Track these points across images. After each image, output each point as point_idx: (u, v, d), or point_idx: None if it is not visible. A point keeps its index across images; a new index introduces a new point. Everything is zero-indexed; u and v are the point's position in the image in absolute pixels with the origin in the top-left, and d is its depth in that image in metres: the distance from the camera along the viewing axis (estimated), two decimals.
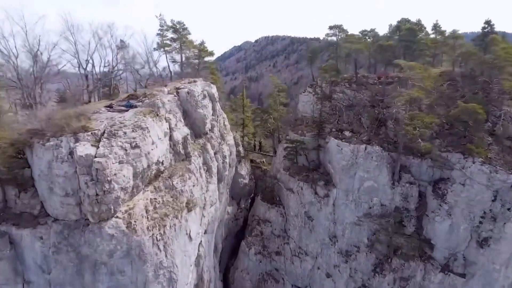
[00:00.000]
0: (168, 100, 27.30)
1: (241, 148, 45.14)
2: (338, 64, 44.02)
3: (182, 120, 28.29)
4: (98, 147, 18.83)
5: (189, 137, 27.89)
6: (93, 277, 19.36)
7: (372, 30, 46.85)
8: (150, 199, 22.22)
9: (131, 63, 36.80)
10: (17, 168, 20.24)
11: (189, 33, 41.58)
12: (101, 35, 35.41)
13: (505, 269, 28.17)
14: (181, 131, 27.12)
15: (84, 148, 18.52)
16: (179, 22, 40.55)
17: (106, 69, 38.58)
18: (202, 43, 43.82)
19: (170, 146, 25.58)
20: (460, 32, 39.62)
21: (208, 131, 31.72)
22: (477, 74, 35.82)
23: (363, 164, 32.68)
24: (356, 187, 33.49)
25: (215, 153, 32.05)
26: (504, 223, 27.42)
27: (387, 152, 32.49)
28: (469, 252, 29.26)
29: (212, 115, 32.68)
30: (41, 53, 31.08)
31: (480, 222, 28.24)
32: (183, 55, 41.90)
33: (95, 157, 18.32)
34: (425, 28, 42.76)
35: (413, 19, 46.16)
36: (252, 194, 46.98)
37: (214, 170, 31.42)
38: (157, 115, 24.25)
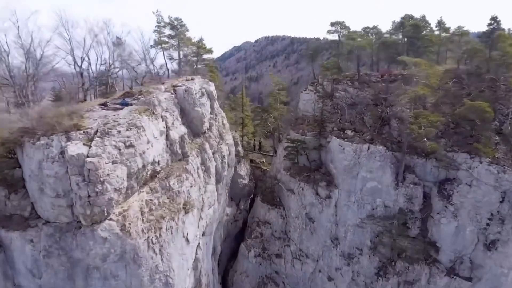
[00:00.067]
0: (165, 98, 26.79)
1: (240, 148, 44.67)
2: (340, 62, 43.49)
3: (179, 119, 27.78)
4: (90, 146, 18.30)
5: (186, 136, 27.38)
6: (86, 282, 18.87)
7: (375, 27, 46.21)
8: (146, 200, 21.71)
9: (127, 60, 36.17)
10: (7, 168, 19.81)
11: (187, 30, 41.04)
12: (97, 31, 34.85)
13: None
14: (178, 130, 26.60)
15: (75, 148, 17.99)
16: (176, 19, 40.01)
17: (102, 67, 38.09)
18: (201, 40, 43.38)
19: (167, 146, 25.06)
20: (465, 28, 39.07)
21: (206, 130, 31.20)
22: (482, 72, 35.24)
23: (366, 164, 32.11)
24: (358, 188, 32.94)
25: (213, 153, 31.54)
26: None
27: (391, 152, 31.92)
28: (476, 255, 28.67)
29: (211, 113, 32.16)
30: (34, 50, 30.61)
31: (488, 224, 27.65)
32: (181, 52, 41.37)
33: (87, 156, 17.80)
34: (429, 24, 42.20)
35: (417, 16, 45.61)
36: (252, 195, 46.53)
37: (213, 170, 30.91)
38: (153, 113, 23.72)
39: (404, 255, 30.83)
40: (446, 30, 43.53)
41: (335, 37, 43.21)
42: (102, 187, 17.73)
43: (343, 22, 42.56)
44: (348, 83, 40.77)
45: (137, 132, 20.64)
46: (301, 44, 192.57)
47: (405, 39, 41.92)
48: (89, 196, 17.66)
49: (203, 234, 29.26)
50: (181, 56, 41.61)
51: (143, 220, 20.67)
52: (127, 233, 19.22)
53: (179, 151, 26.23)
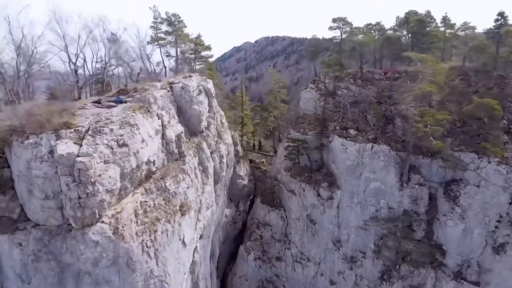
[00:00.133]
0: (161, 96, 26.11)
1: (239, 148, 44.07)
2: (342, 59, 42.86)
3: (176, 117, 27.10)
4: (81, 145, 17.63)
5: (183, 135, 26.72)
6: None
7: (378, 23, 45.54)
8: (140, 202, 21.04)
9: (122, 56, 35.53)
10: None
11: (185, 26, 40.50)
12: (92, 27, 34.22)
13: None
14: (175, 128, 25.94)
15: (65, 147, 17.32)
16: (174, 15, 39.43)
17: (98, 65, 37.47)
18: (199, 36, 42.75)
19: (163, 145, 24.40)
20: (471, 24, 38.44)
21: (204, 129, 30.55)
22: (489, 69, 34.66)
23: (370, 165, 31.58)
24: (361, 188, 32.42)
25: (211, 153, 30.89)
26: None
27: (395, 152, 31.36)
28: (484, 258, 28.08)
29: (209, 112, 31.51)
30: (27, 45, 30.00)
31: (496, 227, 27.09)
32: (178, 49, 40.78)
33: (78, 156, 17.12)
34: (434, 20, 41.51)
35: (421, 12, 44.93)
36: (252, 196, 45.97)
37: (211, 170, 30.25)
38: (148, 111, 23.06)
39: (409, 258, 30.25)
40: (451, 26, 42.85)
41: (337, 33, 42.58)
42: (93, 188, 17.05)
43: (345, 18, 41.97)
44: (351, 81, 40.24)
45: (131, 130, 19.96)
46: (301, 45, 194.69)
47: (410, 35, 41.28)
48: (79, 197, 16.99)
49: (201, 237, 28.61)
50: (178, 53, 41.04)
51: (137, 222, 20.02)
52: (120, 236, 18.55)
53: (176, 151, 25.57)
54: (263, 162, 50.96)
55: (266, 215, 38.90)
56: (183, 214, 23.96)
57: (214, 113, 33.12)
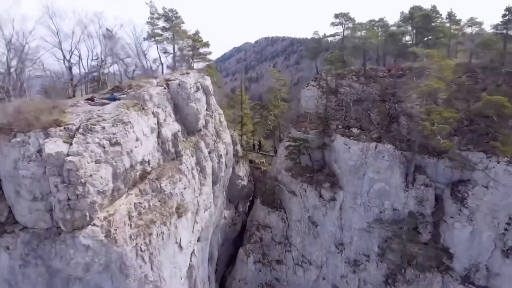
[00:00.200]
0: (157, 93, 25.46)
1: (239, 147, 43.46)
2: (344, 56, 42.21)
3: (173, 115, 26.45)
4: (71, 144, 16.93)
5: (180, 134, 26.05)
6: None
7: (381, 20, 44.91)
8: (134, 203, 20.35)
9: (118, 53, 34.86)
10: None
11: (182, 22, 39.94)
12: (87, 23, 33.58)
13: None
14: (171, 127, 25.28)
15: (54, 145, 16.63)
16: (171, 10, 38.89)
17: (94, 63, 36.87)
18: (197, 33, 42.16)
19: (158, 144, 23.73)
20: (478, 20, 37.78)
21: (201, 128, 29.89)
22: (497, 65, 33.98)
23: (373, 164, 30.93)
24: (365, 189, 31.79)
25: (209, 152, 30.22)
26: None
27: (400, 151, 30.73)
28: (493, 262, 27.40)
29: (206, 110, 30.86)
30: (19, 41, 29.37)
31: (506, 229, 26.39)
32: (175, 45, 40.15)
33: (67, 155, 16.43)
34: (440, 15, 40.89)
35: (426, 7, 44.27)
36: (251, 197, 45.34)
37: (209, 171, 29.58)
38: (143, 108, 22.39)
39: (415, 262, 29.58)
40: (457, 22, 42.23)
41: (339, 29, 41.99)
42: (83, 189, 16.36)
43: (348, 13, 41.32)
44: (353, 78, 39.61)
45: (124, 128, 19.27)
46: (301, 45, 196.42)
47: (414, 31, 40.63)
48: (69, 199, 16.30)
49: (198, 240, 27.95)
50: (176, 50, 40.43)
51: (131, 225, 19.33)
52: (113, 240, 17.86)
53: (172, 150, 24.90)
54: (263, 162, 50.33)
55: (266, 216, 38.26)
56: (179, 216, 23.29)
57: (212, 111, 32.45)
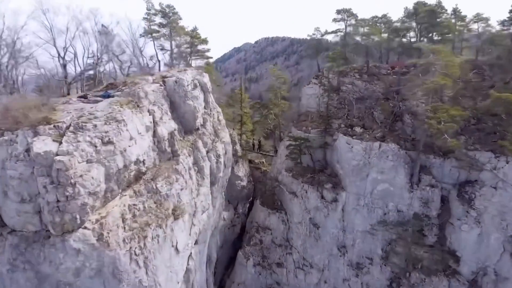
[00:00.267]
0: (153, 90, 24.88)
1: (238, 147, 42.83)
2: (346, 53, 41.61)
3: (169, 113, 25.83)
4: (61, 143, 16.30)
5: (176, 132, 25.45)
6: None
7: (384, 16, 44.35)
8: (129, 205, 19.75)
9: (114, 50, 34.28)
10: None
11: (180, 18, 39.47)
12: (82, 19, 33.01)
13: None
14: (167, 125, 24.66)
15: (43, 144, 16.02)
16: (168, 6, 38.31)
17: (90, 60, 36.30)
18: (195, 29, 41.59)
19: (154, 143, 23.13)
20: (484, 15, 37.18)
21: (199, 127, 29.29)
22: (503, 62, 33.38)
23: (377, 164, 30.31)
24: (368, 190, 31.18)
25: (207, 152, 29.60)
26: None
27: (404, 151, 30.15)
28: (502, 266, 26.79)
29: (204, 108, 30.26)
30: (10, 36, 28.84)
31: None
32: (173, 42, 39.59)
33: (57, 154, 15.81)
34: (446, 10, 40.33)
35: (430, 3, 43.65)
36: (251, 198, 44.65)
37: (207, 171, 28.97)
38: (138, 106, 21.79)
39: (420, 265, 28.97)
40: (462, 18, 41.62)
41: (341, 25, 41.36)
42: (73, 190, 15.73)
43: (350, 9, 40.70)
44: (356, 76, 39.04)
45: (118, 126, 18.65)
46: (301, 45, 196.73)
47: (419, 27, 40.03)
48: (58, 201, 15.69)
49: (196, 242, 27.34)
50: (173, 47, 39.87)
51: (124, 228, 18.72)
52: (105, 243, 17.25)
53: (168, 150, 24.30)
54: (263, 162, 49.63)
55: (266, 218, 37.61)
56: (176, 218, 22.71)
57: (210, 110, 31.84)
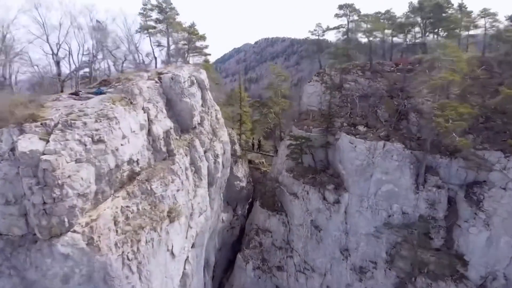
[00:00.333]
0: (148, 87, 24.23)
1: (237, 147, 42.17)
2: (348, 50, 40.94)
3: (165, 111, 25.13)
4: (48, 141, 15.58)
5: (172, 131, 24.75)
6: None
7: (387, 12, 43.65)
8: (121, 207, 19.03)
9: (108, 47, 33.54)
10: None
11: (177, 14, 38.69)
12: (76, 15, 32.31)
13: None
14: (163, 124, 23.96)
15: (29, 143, 15.29)
16: (165, 1, 37.56)
17: (86, 58, 35.66)
18: (192, 25, 40.88)
19: (149, 142, 22.44)
20: (491, 10, 36.47)
21: (196, 125, 28.58)
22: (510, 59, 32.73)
23: (381, 165, 29.70)
24: (372, 191, 30.56)
25: (205, 152, 28.92)
26: None
27: (410, 150, 29.51)
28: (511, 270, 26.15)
29: (202, 106, 29.57)
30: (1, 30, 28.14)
31: None
32: (170, 38, 38.88)
33: (43, 154, 15.08)
34: (452, 4, 39.66)
35: None
36: (250, 199, 44.04)
37: (204, 171, 28.26)
38: (131, 103, 21.07)
39: (426, 270, 28.31)
40: (468, 14, 40.93)
41: (343, 21, 40.74)
42: (60, 192, 15.01)
43: (353, 4, 40.10)
44: (359, 73, 38.36)
45: (109, 124, 17.93)
46: (301, 46, 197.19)
47: (424, 21, 39.35)
48: (44, 203, 14.98)
49: (193, 246, 26.67)
50: (170, 43, 39.17)
51: (116, 231, 18.00)
52: (96, 247, 16.52)
53: (164, 149, 23.59)
54: (262, 162, 49.07)
55: (266, 220, 37.04)
56: (171, 221, 21.99)
57: (208, 108, 31.15)
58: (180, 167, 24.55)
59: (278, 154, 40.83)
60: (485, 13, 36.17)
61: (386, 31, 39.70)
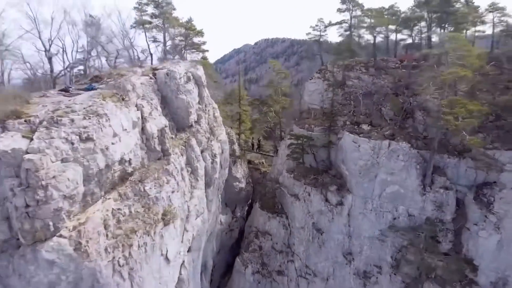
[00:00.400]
0: (141, 83, 23.45)
1: (236, 147, 41.47)
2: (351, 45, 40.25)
3: (159, 109, 24.33)
4: (32, 140, 14.75)
5: (167, 129, 23.91)
6: None
7: (391, 7, 42.97)
8: (112, 210, 18.21)
9: (99, 40, 32.83)
10: None
11: (174, 8, 38.22)
12: (68, 9, 31.63)
13: None
14: (157, 121, 23.13)
15: (11, 141, 14.43)
16: None
17: (80, 55, 35.00)
18: (190, 20, 40.31)
19: (142, 141, 21.61)
20: (500, 5, 35.77)
21: (193, 123, 27.80)
22: None
23: (386, 165, 29.02)
24: (376, 193, 29.89)
25: (202, 151, 28.13)
26: None
27: (416, 150, 28.82)
28: None
29: (199, 103, 28.78)
30: None
31: None
32: (166, 34, 38.19)
33: (27, 152, 14.25)
34: None
35: None
36: (250, 201, 43.48)
37: (201, 172, 27.47)
38: (123, 99, 20.24)
39: (434, 275, 27.56)
40: (475, 9, 40.22)
41: (346, 16, 40.08)
42: (45, 193, 14.15)
43: None
44: (362, 70, 37.80)
45: (99, 121, 17.09)
46: (301, 46, 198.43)
47: (431, 16, 38.67)
48: (27, 205, 14.11)
49: (189, 250, 25.86)
50: (166, 39, 38.49)
51: (107, 235, 17.18)
52: (84, 253, 15.66)
53: (158, 148, 22.78)
54: (262, 163, 48.47)
55: (266, 222, 36.39)
56: (166, 224, 21.17)
57: (205, 105, 30.37)
58: (176, 167, 23.77)
59: (279, 154, 40.20)
60: (493, 7, 35.51)
61: (390, 26, 38.99)
